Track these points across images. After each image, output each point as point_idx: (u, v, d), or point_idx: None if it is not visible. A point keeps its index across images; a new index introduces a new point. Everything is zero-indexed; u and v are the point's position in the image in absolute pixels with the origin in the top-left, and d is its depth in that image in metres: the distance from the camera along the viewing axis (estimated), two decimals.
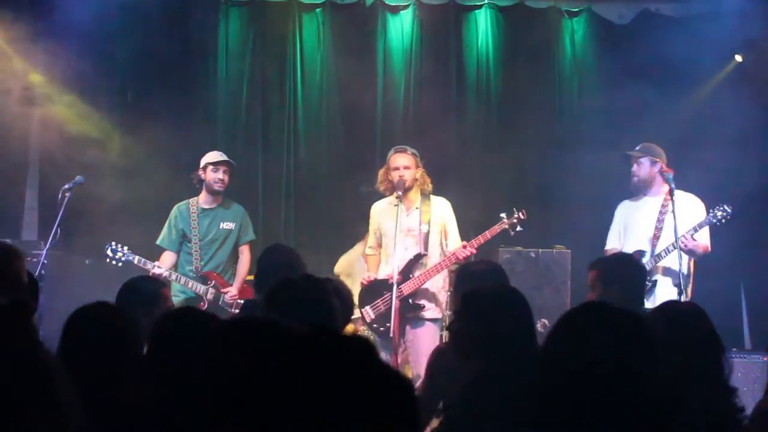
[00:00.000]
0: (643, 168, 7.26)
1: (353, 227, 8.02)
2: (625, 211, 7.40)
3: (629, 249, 7.04)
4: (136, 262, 7.26)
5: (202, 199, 7.63)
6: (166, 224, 7.62)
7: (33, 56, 8.75)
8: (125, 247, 7.31)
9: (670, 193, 6.91)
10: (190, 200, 7.65)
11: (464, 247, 6.78)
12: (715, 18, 8.74)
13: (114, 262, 7.25)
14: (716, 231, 7.58)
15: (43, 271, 6.83)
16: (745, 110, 8.34)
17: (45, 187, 8.66)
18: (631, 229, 7.28)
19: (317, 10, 9.26)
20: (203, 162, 7.61)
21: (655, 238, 7.10)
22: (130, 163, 8.73)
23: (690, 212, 7.09)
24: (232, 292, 7.39)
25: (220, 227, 7.57)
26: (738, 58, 8.80)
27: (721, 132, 8.34)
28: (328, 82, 9.21)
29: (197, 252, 7.50)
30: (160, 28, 9.14)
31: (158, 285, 4.98)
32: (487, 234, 6.86)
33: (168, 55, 9.10)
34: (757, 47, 8.62)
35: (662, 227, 7.12)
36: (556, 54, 9.22)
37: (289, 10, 9.22)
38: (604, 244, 7.55)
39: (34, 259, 7.26)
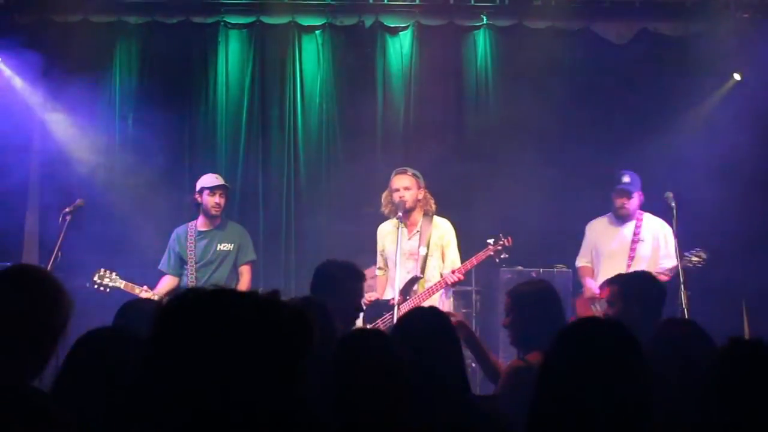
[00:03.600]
0: (633, 203, 7.60)
1: (355, 248, 7.98)
2: (597, 232, 7.83)
3: (605, 273, 7.29)
4: (123, 287, 7.32)
5: (200, 222, 7.67)
6: (167, 249, 7.67)
7: (35, 82, 8.78)
8: (113, 273, 7.36)
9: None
10: (189, 224, 7.69)
11: (453, 272, 6.84)
12: (713, 37, 8.78)
13: (102, 288, 7.26)
14: (717, 250, 7.60)
15: None
16: (744, 130, 8.36)
17: (45, 211, 8.65)
18: (604, 253, 7.67)
19: (317, 31, 9.28)
20: (199, 186, 7.64)
21: (628, 267, 7.37)
22: (131, 186, 8.74)
23: (662, 240, 7.51)
24: None
25: (218, 249, 7.59)
26: (737, 76, 8.80)
27: (720, 151, 8.34)
28: (328, 103, 9.22)
29: (192, 274, 7.53)
30: (160, 52, 9.17)
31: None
32: (474, 260, 6.93)
33: (168, 78, 9.13)
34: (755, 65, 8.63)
35: (635, 256, 7.51)
36: (555, 73, 9.21)
37: (288, 32, 9.24)
38: None
39: None
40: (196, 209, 7.68)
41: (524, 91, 9.07)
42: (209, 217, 7.60)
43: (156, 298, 7.20)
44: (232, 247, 7.62)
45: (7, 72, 8.82)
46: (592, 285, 7.56)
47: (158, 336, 1.87)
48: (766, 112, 8.48)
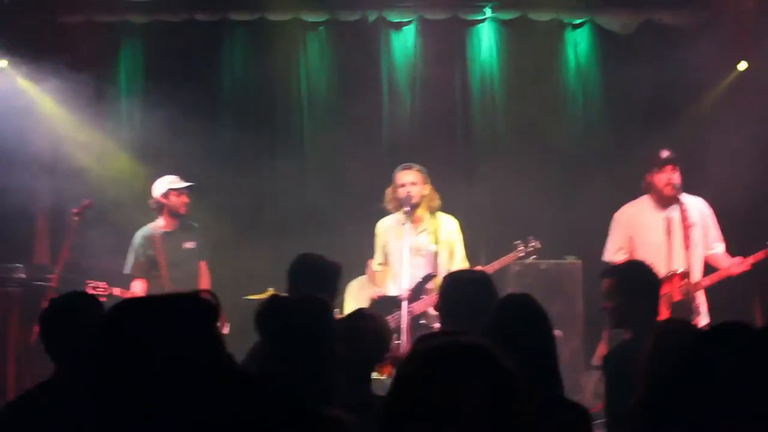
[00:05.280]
0: (679, 177, 6.97)
1: (364, 246, 7.98)
2: (635, 220, 7.20)
3: (656, 262, 6.83)
4: (118, 293, 7.23)
5: (163, 224, 7.66)
6: (132, 253, 7.62)
7: (40, 80, 8.78)
8: (103, 283, 7.27)
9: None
10: (151, 226, 7.67)
11: None
12: (718, 25, 8.76)
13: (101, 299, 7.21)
14: None
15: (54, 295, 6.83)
16: (750, 120, 8.33)
17: (56, 211, 8.68)
18: (651, 242, 7.01)
19: (320, 27, 9.29)
20: (164, 188, 7.61)
21: (687, 256, 6.86)
22: (137, 188, 8.75)
23: (710, 221, 7.11)
24: None
25: (183, 248, 7.63)
26: (742, 65, 8.77)
27: (726, 141, 8.33)
28: (334, 99, 9.23)
29: (166, 276, 7.51)
30: (165, 50, 9.17)
31: None
32: (503, 261, 6.97)
33: (174, 77, 9.09)
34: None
35: (690, 243, 6.91)
36: (560, 66, 9.22)
37: (292, 29, 9.24)
38: None
39: (47, 284, 7.30)
40: (159, 211, 7.67)
41: (530, 83, 9.08)
42: (176, 216, 7.64)
43: None
44: (195, 245, 7.70)
45: (11, 72, 8.82)
46: None
47: None
48: None
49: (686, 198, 7.04)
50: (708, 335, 2.83)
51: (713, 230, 7.13)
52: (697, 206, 7.10)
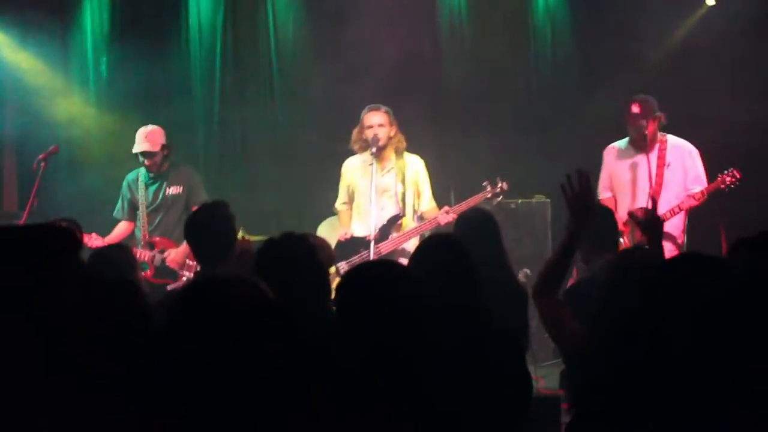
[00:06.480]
0: (648, 130, 7.01)
1: (331, 187, 8.01)
2: (614, 159, 7.33)
3: (625, 203, 7.05)
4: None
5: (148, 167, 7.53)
6: (120, 196, 7.61)
7: (4, 28, 8.69)
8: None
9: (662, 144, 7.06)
10: (140, 169, 7.55)
11: (447, 212, 6.87)
12: None
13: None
14: None
15: None
16: (718, 57, 8.35)
17: (22, 157, 8.63)
18: (626, 182, 7.19)
19: None
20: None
21: (658, 195, 6.95)
22: (105, 134, 8.73)
23: (689, 163, 7.15)
24: (171, 255, 7.28)
25: (167, 193, 7.47)
26: (709, 1, 8.74)
27: (695, 80, 8.34)
28: (302, 43, 9.21)
29: (144, 219, 7.46)
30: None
31: (126, 253, 4.99)
32: (470, 201, 6.97)
33: (140, 22, 9.07)
34: None
35: (664, 182, 7.06)
36: (528, 6, 9.18)
37: None
38: None
39: None
40: None
41: (499, 24, 9.06)
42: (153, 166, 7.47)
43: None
44: (181, 190, 7.48)
45: None
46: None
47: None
48: (739, 38, 8.43)
49: (670, 139, 7.17)
50: (665, 266, 2.87)
51: (694, 171, 7.15)
52: (678, 148, 7.17)
